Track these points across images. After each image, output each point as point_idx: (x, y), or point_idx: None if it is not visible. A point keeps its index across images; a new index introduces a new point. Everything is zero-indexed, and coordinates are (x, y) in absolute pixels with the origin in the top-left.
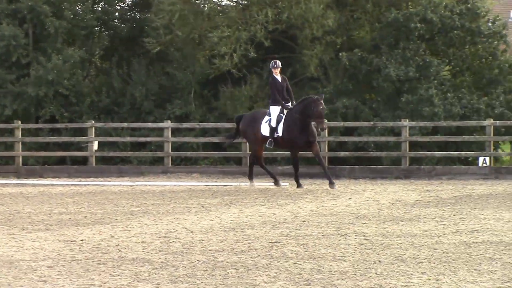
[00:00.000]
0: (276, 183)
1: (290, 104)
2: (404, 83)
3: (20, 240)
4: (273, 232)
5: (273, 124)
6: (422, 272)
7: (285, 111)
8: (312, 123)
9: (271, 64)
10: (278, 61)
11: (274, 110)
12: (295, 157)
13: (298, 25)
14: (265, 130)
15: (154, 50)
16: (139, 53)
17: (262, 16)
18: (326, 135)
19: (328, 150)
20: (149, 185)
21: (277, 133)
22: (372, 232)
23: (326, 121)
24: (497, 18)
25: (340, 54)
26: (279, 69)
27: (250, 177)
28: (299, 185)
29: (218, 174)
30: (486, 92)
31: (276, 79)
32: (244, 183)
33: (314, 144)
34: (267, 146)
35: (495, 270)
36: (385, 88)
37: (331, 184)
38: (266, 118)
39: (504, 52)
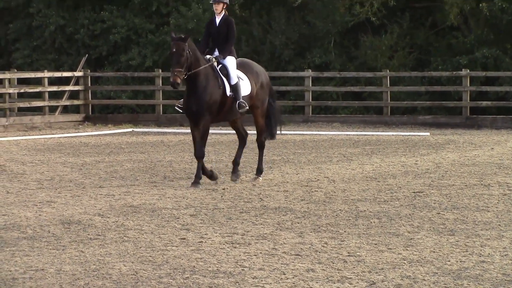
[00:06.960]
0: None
1: (211, 55)
2: None
3: (162, 189)
4: (415, 182)
5: None
6: None
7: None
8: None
9: None
10: None
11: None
12: (195, 137)
13: None
14: None
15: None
16: (279, 2)
17: None
18: (468, 84)
19: (470, 100)
20: (290, 134)
21: None
22: None
23: (180, 72)
24: None
25: (480, 5)
26: (221, 5)
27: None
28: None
29: (359, 124)
30: None
31: (211, 22)
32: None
33: (201, 118)
34: None
35: None
36: None
37: (195, 182)
38: None
39: None
